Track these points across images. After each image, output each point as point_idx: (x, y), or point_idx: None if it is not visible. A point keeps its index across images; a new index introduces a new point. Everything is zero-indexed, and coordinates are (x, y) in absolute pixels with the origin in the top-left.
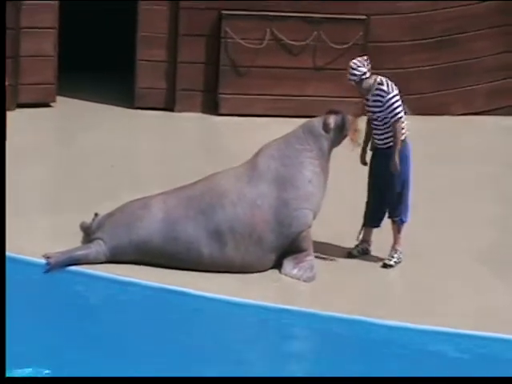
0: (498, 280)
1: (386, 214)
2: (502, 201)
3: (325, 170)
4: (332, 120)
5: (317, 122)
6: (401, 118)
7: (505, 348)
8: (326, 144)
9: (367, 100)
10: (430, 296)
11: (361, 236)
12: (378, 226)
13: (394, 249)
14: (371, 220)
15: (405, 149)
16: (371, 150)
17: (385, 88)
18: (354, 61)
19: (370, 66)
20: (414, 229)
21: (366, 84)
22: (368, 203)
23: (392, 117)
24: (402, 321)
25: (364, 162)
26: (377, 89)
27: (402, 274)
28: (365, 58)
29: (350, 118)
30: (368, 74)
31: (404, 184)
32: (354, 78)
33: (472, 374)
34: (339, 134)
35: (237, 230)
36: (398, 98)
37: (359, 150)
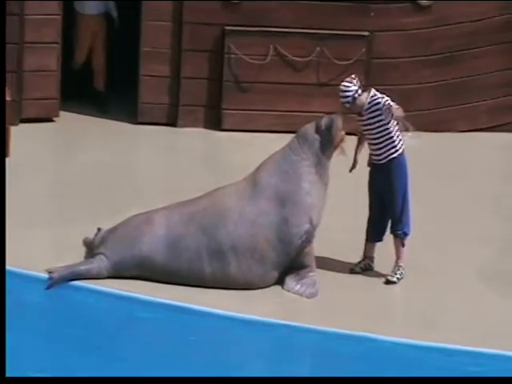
0: (499, 296)
1: (388, 229)
2: (503, 217)
3: (323, 176)
4: (322, 121)
5: (310, 126)
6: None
7: (505, 364)
8: (320, 149)
9: (362, 116)
10: (432, 312)
11: (363, 252)
12: (380, 240)
13: (397, 265)
14: (374, 234)
15: (403, 161)
16: (368, 166)
17: (379, 95)
18: (343, 83)
19: (359, 83)
20: (416, 244)
21: (359, 102)
22: (370, 219)
23: (390, 113)
24: (404, 337)
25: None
26: (371, 101)
27: (403, 289)
28: (353, 76)
29: (340, 119)
30: (360, 91)
31: (404, 196)
32: (348, 99)
33: None
34: (329, 135)
35: (239, 249)
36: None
37: (348, 154)
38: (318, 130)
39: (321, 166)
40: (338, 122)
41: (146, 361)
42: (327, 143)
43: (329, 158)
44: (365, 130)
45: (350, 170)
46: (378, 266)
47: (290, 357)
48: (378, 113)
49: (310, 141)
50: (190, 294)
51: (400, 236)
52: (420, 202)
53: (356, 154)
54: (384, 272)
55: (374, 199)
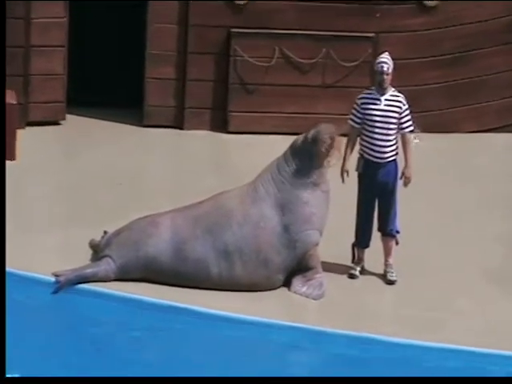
0: (505, 297)
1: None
2: (511, 218)
3: (321, 184)
4: (310, 133)
5: (300, 137)
6: (412, 131)
7: (508, 365)
8: (311, 159)
9: (376, 104)
10: (438, 313)
11: (355, 256)
12: (368, 246)
13: (389, 263)
14: (367, 240)
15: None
16: (358, 170)
17: (402, 97)
18: (384, 55)
19: None
20: (426, 246)
21: (388, 80)
22: (363, 225)
23: (406, 127)
24: (410, 338)
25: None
26: (396, 95)
27: (410, 291)
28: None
29: (327, 133)
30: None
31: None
32: (390, 64)
33: None
34: (315, 147)
35: (244, 250)
36: None
37: (334, 167)
38: (305, 142)
39: (316, 175)
40: (324, 133)
41: (149, 361)
42: (316, 154)
43: (322, 167)
44: (377, 121)
45: (343, 180)
46: (373, 266)
47: (294, 359)
48: (397, 109)
49: (300, 152)
50: (194, 295)
51: (394, 234)
52: (429, 204)
53: (345, 160)
54: (378, 272)
55: (369, 202)
